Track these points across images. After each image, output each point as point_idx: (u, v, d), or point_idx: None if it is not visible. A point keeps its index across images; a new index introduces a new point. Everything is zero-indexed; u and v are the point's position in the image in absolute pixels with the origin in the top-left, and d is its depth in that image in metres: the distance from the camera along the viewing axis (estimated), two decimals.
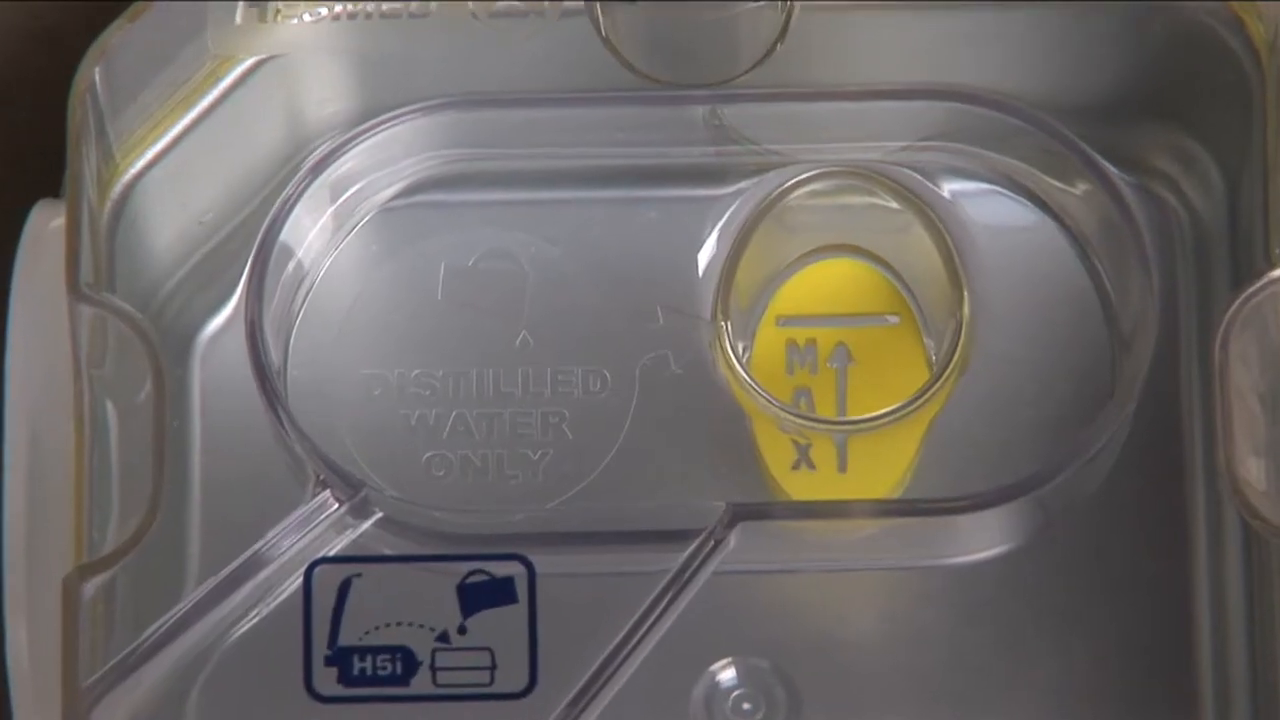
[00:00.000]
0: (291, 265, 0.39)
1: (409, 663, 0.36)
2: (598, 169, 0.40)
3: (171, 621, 0.36)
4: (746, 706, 0.37)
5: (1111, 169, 0.38)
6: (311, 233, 0.40)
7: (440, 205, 0.40)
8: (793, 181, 0.39)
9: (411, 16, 0.38)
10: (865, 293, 0.40)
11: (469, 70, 0.39)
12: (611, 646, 0.36)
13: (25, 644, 0.36)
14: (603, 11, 0.38)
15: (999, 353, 0.39)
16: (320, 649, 0.36)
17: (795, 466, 0.39)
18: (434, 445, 0.38)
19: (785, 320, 0.40)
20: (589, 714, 0.36)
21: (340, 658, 0.36)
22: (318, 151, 0.39)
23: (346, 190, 0.40)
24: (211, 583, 0.36)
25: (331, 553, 0.37)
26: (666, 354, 0.39)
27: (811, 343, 0.39)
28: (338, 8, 0.38)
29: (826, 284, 0.40)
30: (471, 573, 0.36)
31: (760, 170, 0.39)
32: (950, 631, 0.38)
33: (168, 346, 0.38)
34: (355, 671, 0.36)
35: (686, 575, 0.36)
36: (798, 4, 0.38)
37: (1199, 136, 0.40)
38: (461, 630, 0.36)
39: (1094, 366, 0.39)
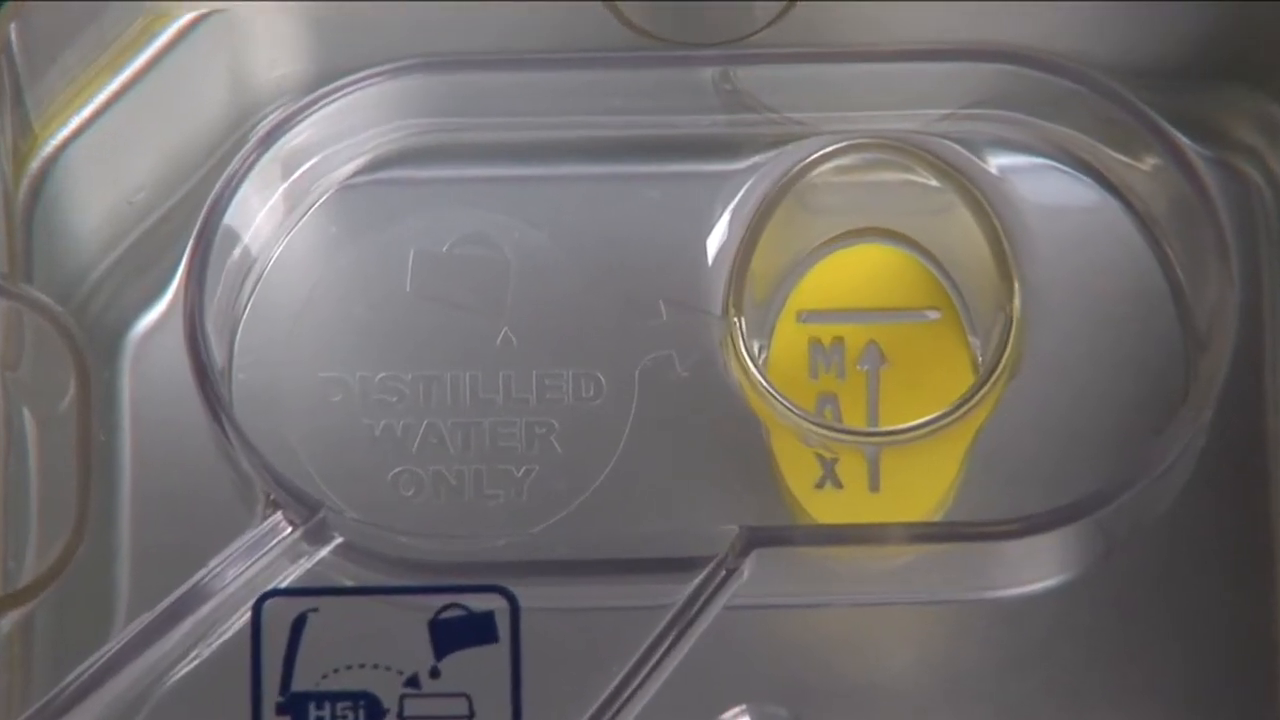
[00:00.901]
0: (237, 251, 0.38)
1: (374, 711, 0.35)
2: (590, 141, 0.38)
3: (99, 664, 0.35)
4: None
5: (1185, 140, 0.37)
6: (260, 214, 0.38)
7: (408, 183, 0.39)
8: (817, 155, 0.38)
9: None
10: (900, 284, 0.38)
11: (442, 28, 0.38)
12: (607, 693, 0.35)
13: None
14: None
15: (1054, 353, 0.38)
16: (271, 695, 0.35)
17: (819, 485, 0.37)
18: (402, 460, 0.37)
19: (808, 316, 0.38)
20: None
21: (294, 705, 0.35)
22: (267, 121, 0.38)
23: (300, 165, 0.38)
24: (145, 619, 0.35)
25: (284, 584, 0.35)
26: (670, 355, 0.38)
27: (838, 342, 0.38)
28: None
29: (855, 274, 0.38)
30: (446, 607, 0.35)
31: (779, 142, 0.38)
32: (996, 676, 0.37)
33: (94, 345, 0.37)
34: None
35: (694, 610, 0.35)
36: None
37: None
38: (434, 673, 0.35)
39: (1165, 367, 0.38)
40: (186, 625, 0.35)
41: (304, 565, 0.36)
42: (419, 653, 0.35)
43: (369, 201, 0.38)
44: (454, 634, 0.35)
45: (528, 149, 0.38)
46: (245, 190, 0.37)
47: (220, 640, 0.35)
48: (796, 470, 0.38)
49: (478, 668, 0.35)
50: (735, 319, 0.37)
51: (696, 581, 0.35)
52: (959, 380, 0.38)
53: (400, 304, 0.38)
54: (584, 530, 0.37)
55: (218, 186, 0.37)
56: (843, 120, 0.38)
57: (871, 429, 0.38)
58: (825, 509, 0.37)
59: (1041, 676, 0.37)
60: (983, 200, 0.37)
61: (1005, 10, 0.38)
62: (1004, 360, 0.37)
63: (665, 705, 0.35)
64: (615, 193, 0.38)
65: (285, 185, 0.38)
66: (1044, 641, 0.37)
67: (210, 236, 0.37)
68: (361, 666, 0.35)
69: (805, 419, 0.37)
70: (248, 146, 0.37)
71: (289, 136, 0.38)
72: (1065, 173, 0.38)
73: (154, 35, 0.38)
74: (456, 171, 0.39)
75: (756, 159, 0.38)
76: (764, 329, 0.38)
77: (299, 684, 0.35)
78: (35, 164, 0.37)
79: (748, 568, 0.35)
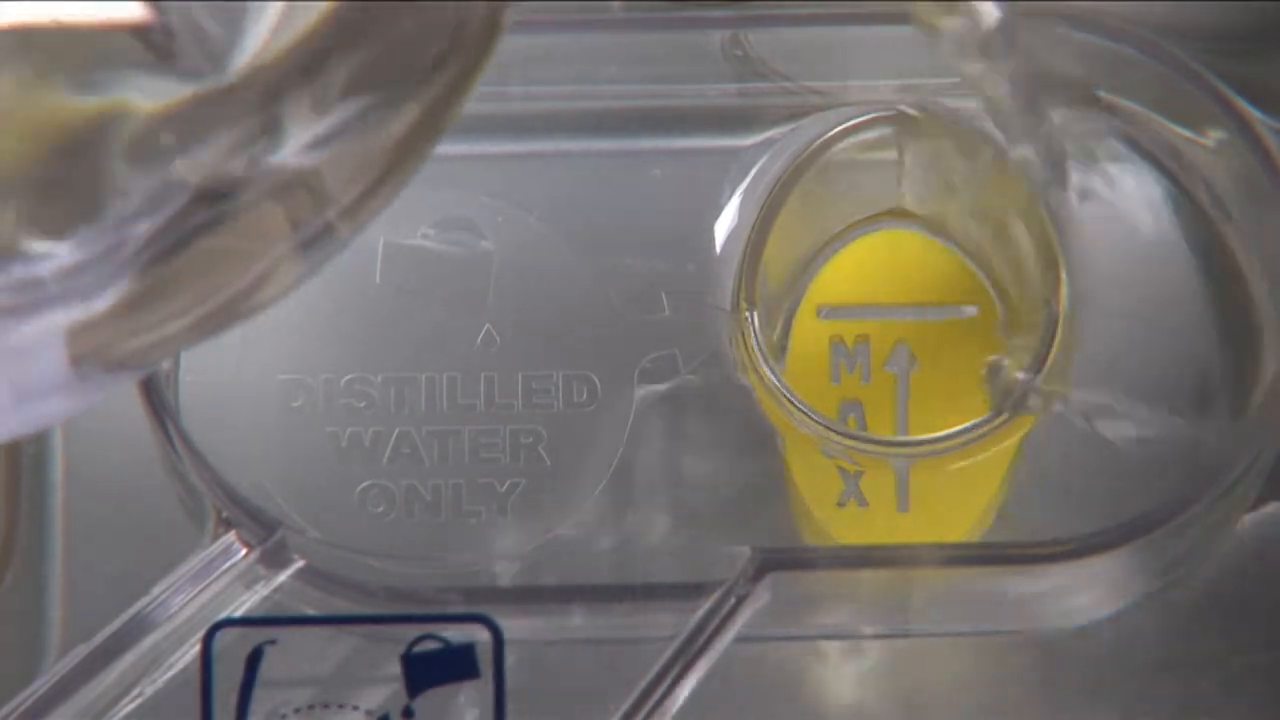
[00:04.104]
0: None
1: None
2: (586, 113, 0.38)
3: (27, 704, 0.34)
4: None
5: (1253, 110, 0.37)
6: None
7: None
8: (838, 129, 0.37)
9: None
10: (932, 276, 0.38)
11: None
12: None
13: None
14: None
15: (1106, 354, 0.37)
16: None
17: (842, 502, 0.37)
18: (371, 473, 0.37)
19: (829, 311, 0.38)
20: None
21: None
22: None
23: None
24: (81, 652, 0.34)
25: (238, 613, 0.35)
26: (673, 354, 0.37)
27: (863, 340, 0.37)
28: None
29: (881, 264, 0.38)
30: (420, 639, 0.34)
31: (795, 115, 0.38)
32: (1040, 716, 0.36)
33: None
34: None
35: (700, 642, 0.34)
36: None
37: None
38: (407, 714, 0.34)
39: (1231, 369, 0.37)
40: (128, 659, 0.34)
41: (260, 592, 0.35)
42: (390, 690, 0.34)
43: None
44: (430, 669, 0.34)
45: (515, 123, 0.38)
46: None
47: (166, 676, 0.34)
48: (816, 485, 0.37)
49: (456, 706, 0.34)
50: (747, 314, 0.37)
51: (704, 610, 0.34)
52: None
53: (369, 297, 0.38)
54: (576, 553, 0.36)
55: None
56: (867, 90, 0.38)
57: (900, 439, 0.37)
58: (848, 529, 0.37)
59: (1092, 717, 0.36)
60: (1025, 181, 0.37)
61: None
62: (1049, 362, 0.36)
63: None
64: (612, 172, 0.38)
65: None
66: (1094, 677, 0.36)
67: None
68: (325, 706, 0.34)
69: (826, 427, 0.37)
70: None
71: None
72: (1118, 148, 0.38)
73: None
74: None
75: (770, 133, 0.38)
76: (780, 326, 0.38)
77: None
78: None
79: (761, 594, 0.35)
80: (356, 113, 0.26)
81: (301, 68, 0.27)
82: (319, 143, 0.27)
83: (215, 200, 0.27)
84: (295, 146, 0.27)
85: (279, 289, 0.28)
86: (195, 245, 0.27)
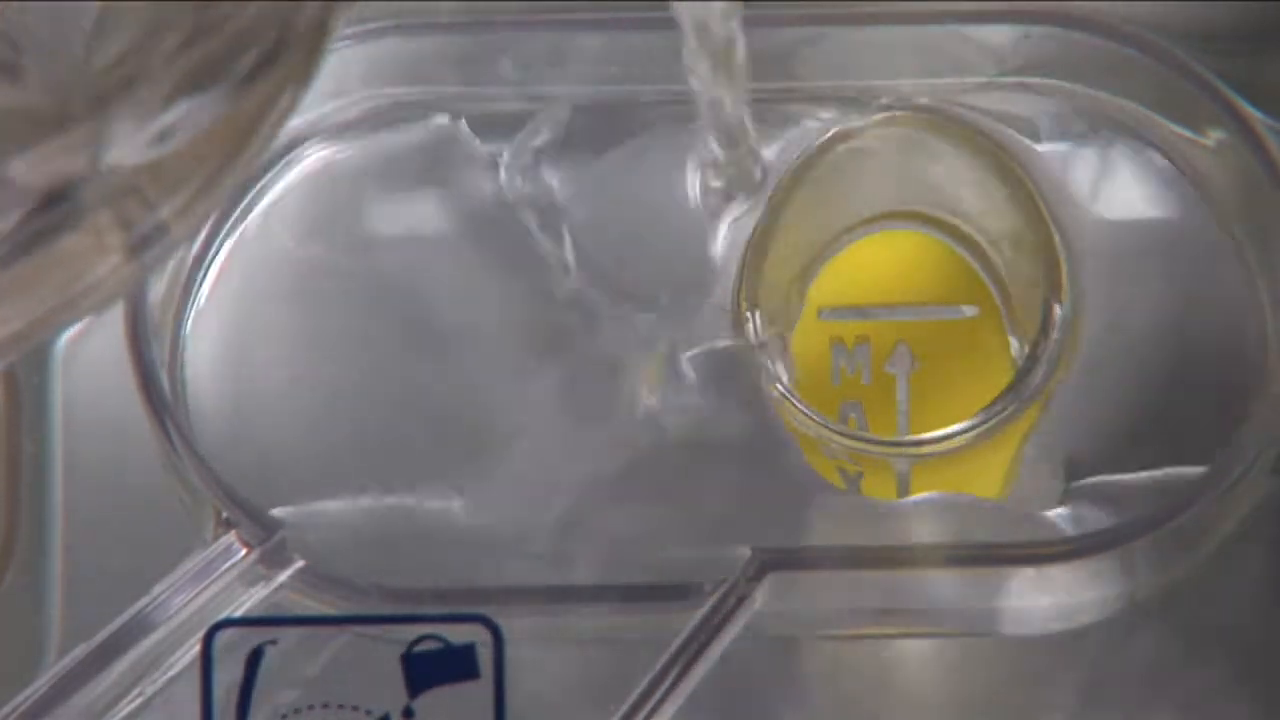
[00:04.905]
0: None
1: None
2: (586, 111, 0.38)
3: (27, 704, 0.34)
4: None
5: (1253, 111, 0.37)
6: None
7: (378, 156, 0.38)
8: (839, 130, 0.37)
9: None
10: (933, 275, 0.38)
11: None
12: None
13: None
14: None
15: (1107, 352, 0.37)
16: None
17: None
18: (372, 472, 0.37)
19: (830, 312, 0.38)
20: None
21: None
22: None
23: None
24: (80, 653, 0.34)
25: (238, 613, 0.35)
26: (674, 354, 0.37)
27: (863, 341, 0.38)
28: None
29: (883, 263, 0.38)
30: (421, 639, 0.34)
31: (796, 115, 0.38)
32: (1040, 716, 0.36)
33: None
34: None
35: (701, 640, 0.34)
36: None
37: None
38: (407, 714, 0.34)
39: (1232, 367, 0.37)
40: (128, 660, 0.34)
41: (261, 592, 0.35)
42: (391, 689, 0.34)
43: (334, 175, 0.39)
44: (430, 669, 0.34)
45: (515, 119, 0.38)
46: None
47: (166, 676, 0.34)
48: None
49: (457, 706, 0.34)
50: (748, 313, 0.37)
51: (704, 610, 0.34)
52: (1000, 384, 0.37)
53: (370, 293, 0.38)
54: (576, 552, 0.36)
55: None
56: (870, 90, 0.38)
57: (901, 438, 0.37)
58: (849, 529, 0.37)
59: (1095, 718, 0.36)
60: (1026, 180, 0.37)
61: None
62: (1050, 360, 0.37)
63: None
64: (613, 171, 0.38)
65: None
66: (1097, 679, 0.36)
67: None
68: (325, 706, 0.34)
69: (827, 427, 0.37)
70: None
71: None
72: (1119, 148, 0.38)
73: None
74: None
75: (771, 134, 0.38)
76: (781, 326, 0.38)
77: None
78: None
79: (761, 594, 0.34)
80: (183, 115, 0.26)
81: (126, 73, 0.27)
82: (148, 145, 0.27)
83: (51, 205, 0.27)
84: (125, 150, 0.27)
85: (111, 292, 0.28)
86: (33, 251, 0.27)
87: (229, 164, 0.26)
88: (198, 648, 0.34)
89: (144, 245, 0.27)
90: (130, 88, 0.26)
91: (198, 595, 0.35)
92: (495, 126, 0.38)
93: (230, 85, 0.26)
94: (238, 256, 0.39)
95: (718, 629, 0.34)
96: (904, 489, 0.38)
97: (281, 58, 0.27)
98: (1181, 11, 0.38)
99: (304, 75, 0.27)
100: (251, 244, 0.39)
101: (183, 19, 0.25)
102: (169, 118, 0.26)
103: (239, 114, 0.26)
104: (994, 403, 0.37)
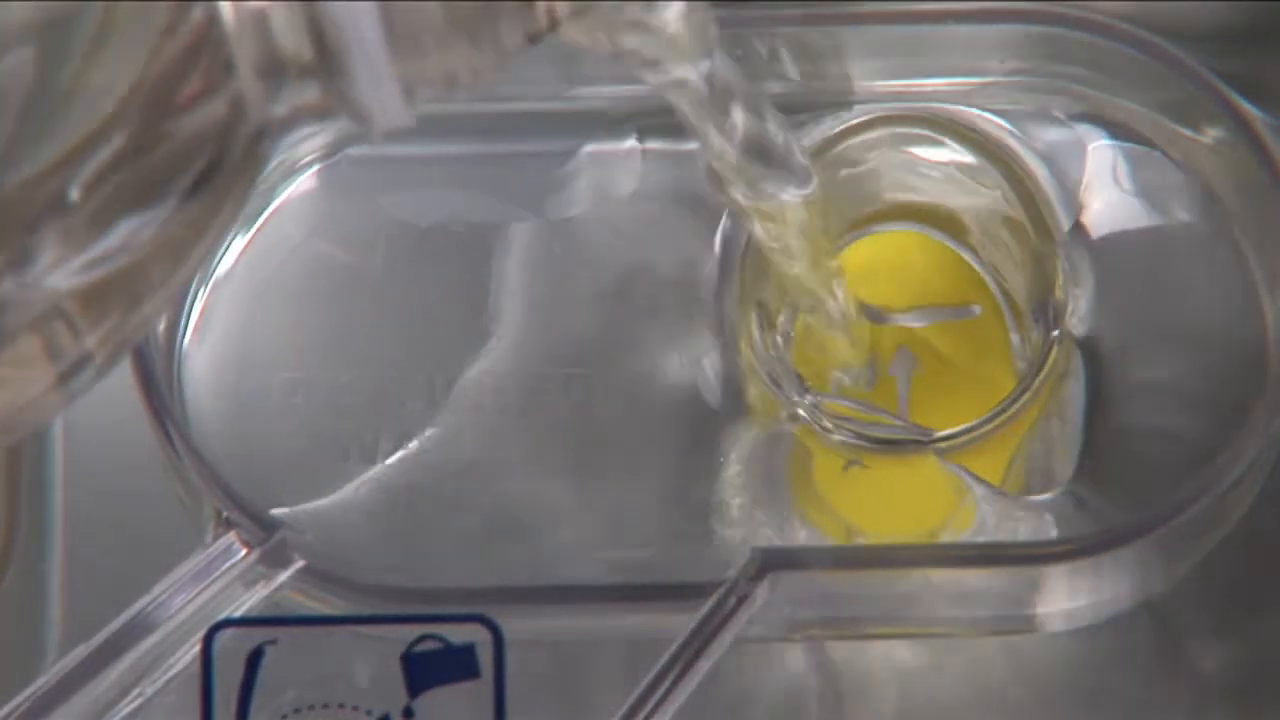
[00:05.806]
0: None
1: None
2: (583, 113, 0.38)
3: (27, 704, 0.33)
4: None
5: (1253, 109, 0.37)
6: None
7: (381, 160, 0.39)
8: (839, 129, 0.37)
9: None
10: (935, 276, 0.38)
11: None
12: None
13: None
14: None
15: (1109, 352, 0.37)
16: None
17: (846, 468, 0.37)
18: (372, 472, 0.37)
19: None
20: None
21: None
22: None
23: None
24: (80, 653, 0.34)
25: (238, 613, 0.35)
26: (675, 353, 0.37)
27: None
28: None
29: (883, 265, 0.38)
30: (421, 639, 0.34)
31: (796, 114, 0.37)
32: (1041, 716, 0.36)
33: None
34: None
35: (701, 641, 0.34)
36: None
37: None
38: (408, 714, 0.33)
39: (1234, 365, 0.37)
40: (128, 660, 0.34)
41: (261, 592, 0.35)
42: (391, 690, 0.34)
43: (334, 181, 0.39)
44: (430, 669, 0.34)
45: (514, 122, 0.38)
46: None
47: (166, 676, 0.34)
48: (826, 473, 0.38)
49: (457, 706, 0.33)
50: (748, 314, 0.37)
51: (705, 610, 0.34)
52: (1001, 385, 0.37)
53: (371, 295, 0.38)
54: (576, 552, 0.36)
55: None
56: (869, 89, 0.38)
57: (901, 439, 0.37)
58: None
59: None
60: (1027, 180, 0.37)
61: None
62: (1051, 361, 0.37)
63: None
64: (612, 169, 0.38)
65: None
66: (1101, 680, 0.36)
67: None
68: (325, 706, 0.34)
69: (825, 427, 0.36)
70: None
71: None
72: (1119, 147, 0.38)
73: None
74: (436, 148, 0.39)
75: None
76: (781, 327, 0.38)
77: None
78: None
79: (762, 593, 0.34)
80: (113, 240, 0.25)
81: (52, 196, 0.26)
82: (74, 271, 0.26)
83: None
84: (50, 275, 0.26)
85: (36, 420, 0.27)
86: None
87: (156, 290, 0.25)
88: (198, 648, 0.34)
89: (71, 374, 0.25)
90: (56, 212, 0.24)
91: (198, 595, 0.34)
92: (504, 128, 0.38)
93: (159, 210, 0.25)
94: (238, 257, 0.39)
95: (718, 629, 0.34)
96: None
97: (212, 183, 0.26)
98: (1182, 11, 0.38)
99: (234, 199, 0.26)
100: (252, 245, 0.39)
101: (110, 143, 0.24)
102: (96, 244, 0.24)
103: (167, 238, 0.25)
104: (998, 404, 0.36)
